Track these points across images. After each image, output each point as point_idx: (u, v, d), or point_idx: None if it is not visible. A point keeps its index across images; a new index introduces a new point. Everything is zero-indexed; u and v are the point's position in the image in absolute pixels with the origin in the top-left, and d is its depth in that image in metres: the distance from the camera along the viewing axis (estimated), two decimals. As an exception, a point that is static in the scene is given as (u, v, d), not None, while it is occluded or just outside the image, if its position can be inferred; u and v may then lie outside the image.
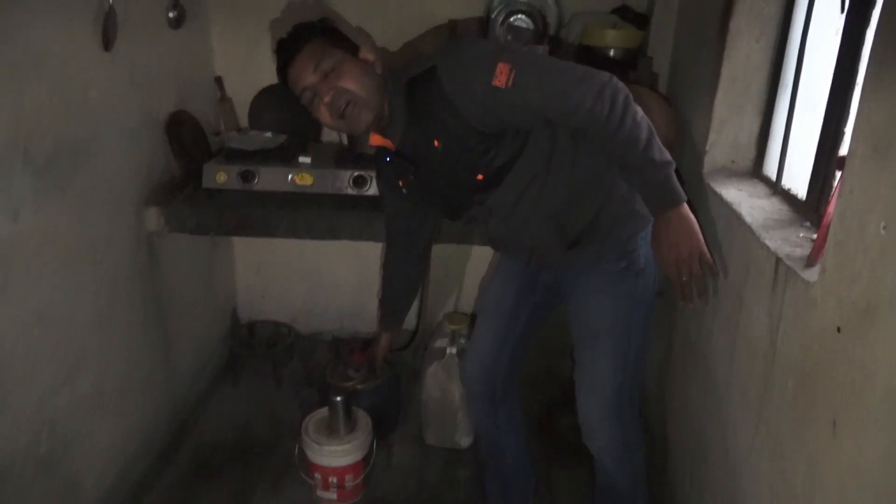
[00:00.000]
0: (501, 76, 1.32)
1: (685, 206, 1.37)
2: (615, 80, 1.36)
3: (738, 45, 1.72)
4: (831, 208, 1.15)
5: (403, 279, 1.95)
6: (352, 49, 1.47)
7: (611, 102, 1.32)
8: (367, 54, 1.47)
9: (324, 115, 1.45)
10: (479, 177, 1.48)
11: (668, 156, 1.38)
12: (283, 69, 1.47)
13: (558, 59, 1.45)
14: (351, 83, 1.41)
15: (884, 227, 0.98)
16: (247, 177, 2.11)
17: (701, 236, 1.38)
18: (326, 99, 1.41)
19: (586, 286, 1.64)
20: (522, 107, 1.36)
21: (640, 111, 1.36)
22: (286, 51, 1.46)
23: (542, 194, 1.51)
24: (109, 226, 1.88)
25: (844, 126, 1.32)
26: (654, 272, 1.62)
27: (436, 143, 1.44)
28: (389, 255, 1.93)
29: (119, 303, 1.94)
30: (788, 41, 1.67)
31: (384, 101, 1.46)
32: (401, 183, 1.62)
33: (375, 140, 1.55)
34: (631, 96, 1.36)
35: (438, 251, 2.22)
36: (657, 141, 1.36)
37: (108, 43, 1.79)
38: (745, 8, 1.68)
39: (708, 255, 1.38)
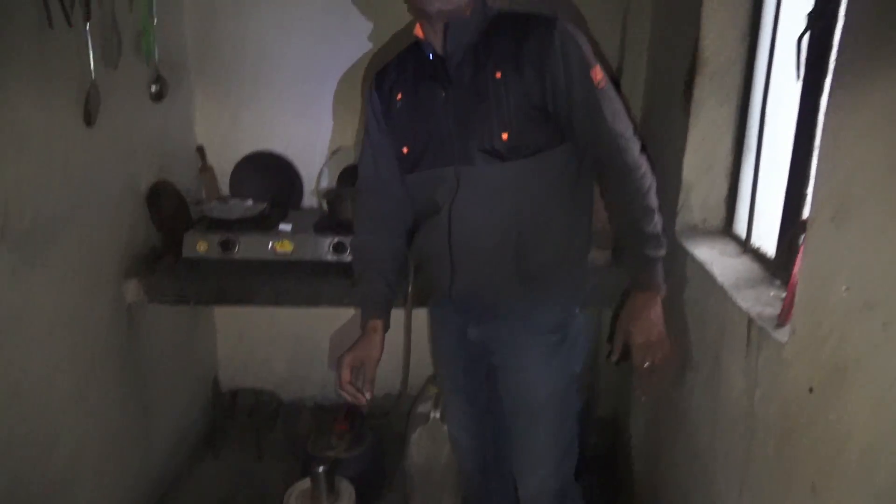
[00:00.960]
0: (597, 76, 1.38)
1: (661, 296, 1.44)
2: None
3: (703, 110, 1.78)
4: (797, 270, 1.18)
5: (387, 253, 1.62)
6: None
7: (648, 164, 1.45)
8: None
9: None
10: (505, 135, 1.38)
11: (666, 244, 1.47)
12: None
13: None
14: None
15: (846, 290, 1.01)
16: (227, 246, 2.12)
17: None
18: None
19: (521, 359, 1.57)
20: (591, 109, 1.39)
21: None
22: None
23: (527, 203, 1.46)
24: (88, 298, 1.88)
25: (806, 189, 1.36)
26: (587, 346, 1.62)
27: (498, 74, 1.37)
28: (362, 236, 1.64)
29: (97, 376, 1.92)
30: (751, 106, 1.73)
31: (467, 6, 1.39)
32: (399, 96, 1.49)
33: (420, 30, 1.44)
34: None
35: (420, 314, 2.22)
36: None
37: (90, 118, 1.83)
38: (707, 75, 1.75)
39: (672, 350, 1.47)
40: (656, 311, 1.47)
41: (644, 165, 1.46)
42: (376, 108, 1.56)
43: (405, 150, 1.51)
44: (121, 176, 2.04)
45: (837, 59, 1.04)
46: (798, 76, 1.40)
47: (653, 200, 1.46)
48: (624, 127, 1.43)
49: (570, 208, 1.53)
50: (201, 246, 2.13)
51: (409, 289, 1.94)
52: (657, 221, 1.47)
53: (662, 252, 1.47)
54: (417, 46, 1.48)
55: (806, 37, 1.35)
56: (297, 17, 2.43)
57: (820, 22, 1.31)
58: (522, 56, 1.36)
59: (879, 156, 0.93)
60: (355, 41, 2.44)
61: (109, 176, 1.97)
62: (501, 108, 1.37)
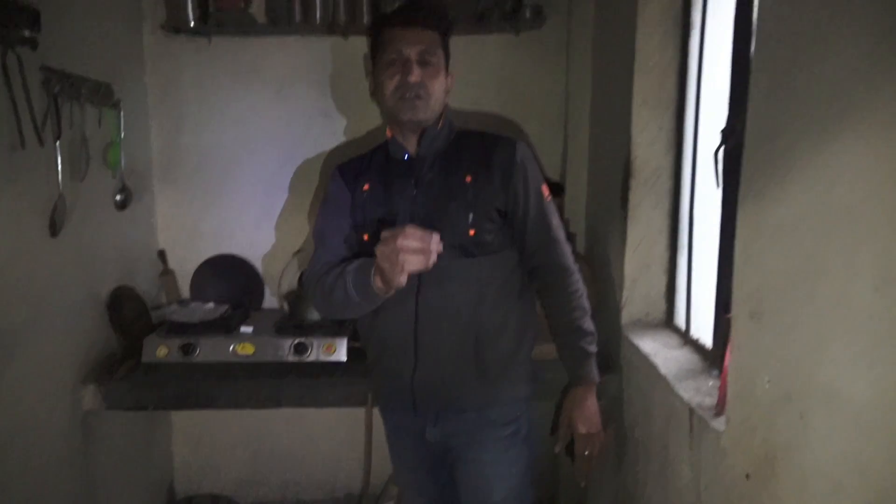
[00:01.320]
0: (545, 190, 1.61)
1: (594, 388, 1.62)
2: None
3: (639, 213, 1.94)
4: (727, 362, 1.29)
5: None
6: (446, 65, 1.58)
7: (578, 269, 1.65)
8: (450, 82, 1.61)
9: (393, 81, 1.50)
10: (472, 232, 1.51)
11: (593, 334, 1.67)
12: (393, 21, 1.52)
13: None
14: (434, 86, 1.52)
15: (768, 381, 1.11)
16: (188, 349, 2.14)
17: None
18: (412, 79, 1.48)
19: (478, 452, 1.62)
20: (541, 218, 1.58)
21: None
22: (411, 13, 1.53)
23: (488, 298, 1.55)
24: (43, 408, 1.86)
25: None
26: (536, 441, 1.70)
27: (468, 178, 1.53)
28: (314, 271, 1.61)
29: (49, 490, 1.86)
30: (681, 209, 1.89)
31: (439, 118, 1.57)
32: (367, 187, 1.57)
33: (390, 133, 1.59)
34: None
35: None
36: None
37: (55, 229, 1.88)
38: (640, 182, 1.92)
39: (606, 439, 1.65)
40: (594, 402, 1.67)
41: (577, 271, 1.65)
42: (339, 195, 1.62)
43: (366, 237, 1.57)
44: (83, 284, 2.07)
45: (742, 175, 1.19)
46: (717, 184, 1.56)
47: (586, 302, 1.66)
48: (563, 235, 1.64)
49: (522, 306, 1.65)
50: (161, 350, 2.14)
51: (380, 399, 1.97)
52: (590, 317, 1.66)
53: (595, 349, 1.66)
54: (386, 147, 1.63)
55: (722, 150, 1.52)
56: (259, 131, 2.56)
57: (732, 138, 1.49)
58: (492, 165, 1.54)
59: (782, 261, 1.06)
60: (316, 152, 2.58)
61: (71, 284, 2.00)
62: (471, 208, 1.51)
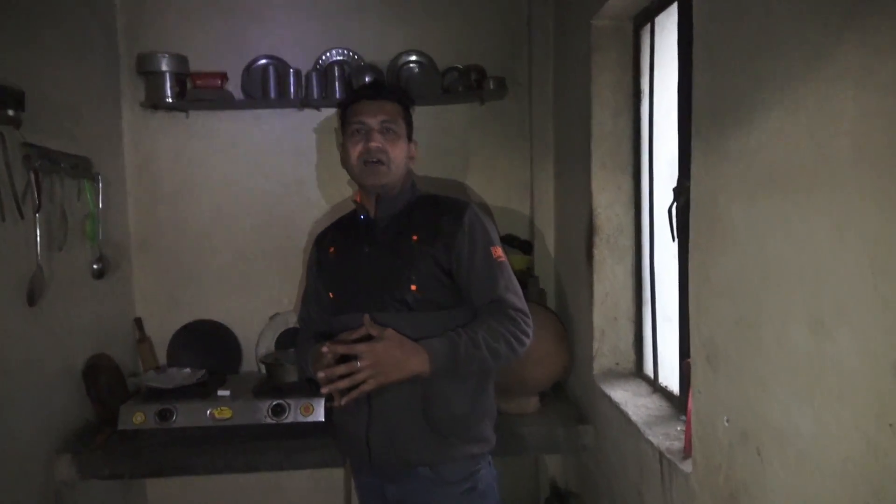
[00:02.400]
0: (496, 252, 1.64)
1: (426, 370, 1.50)
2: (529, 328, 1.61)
3: (603, 269, 2.04)
4: (690, 406, 1.36)
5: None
6: (409, 135, 1.71)
7: (523, 336, 1.59)
8: (413, 149, 1.73)
9: (357, 148, 1.62)
10: (414, 287, 1.58)
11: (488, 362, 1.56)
12: (356, 97, 1.67)
13: None
14: (396, 153, 1.64)
15: (727, 421, 1.18)
16: (164, 416, 2.14)
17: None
18: (373, 145, 1.61)
19: None
20: (488, 277, 1.60)
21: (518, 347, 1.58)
22: (373, 89, 1.69)
23: None
24: (16, 479, 1.84)
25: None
26: (496, 496, 1.69)
27: (415, 237, 1.62)
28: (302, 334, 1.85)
29: (20, 566, 1.83)
30: (643, 263, 2.00)
31: (399, 184, 1.68)
32: (333, 250, 1.74)
33: (358, 197, 1.72)
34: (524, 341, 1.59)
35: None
36: (498, 351, 1.55)
37: (32, 299, 1.91)
38: (603, 238, 2.03)
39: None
40: (406, 359, 1.50)
41: (527, 329, 1.59)
42: (313, 260, 1.82)
43: (331, 294, 1.72)
44: (58, 353, 2.08)
45: (690, 230, 1.29)
46: (673, 238, 1.67)
47: (517, 343, 1.57)
48: (516, 299, 1.61)
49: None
50: (137, 418, 2.13)
51: (346, 460, 1.99)
52: (495, 350, 1.54)
53: (462, 366, 1.52)
54: (353, 213, 1.75)
55: (674, 206, 1.63)
56: (235, 200, 2.64)
57: (682, 196, 1.60)
58: (438, 228, 1.63)
59: (730, 310, 1.15)
60: (291, 219, 2.66)
61: (47, 354, 2.01)
62: (413, 265, 1.60)
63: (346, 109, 1.68)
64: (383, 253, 1.65)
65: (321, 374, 1.49)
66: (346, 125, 1.67)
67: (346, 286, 1.68)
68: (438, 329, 1.56)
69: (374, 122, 1.62)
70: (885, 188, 0.77)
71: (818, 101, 0.89)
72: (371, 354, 1.47)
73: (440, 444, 1.59)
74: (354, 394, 1.47)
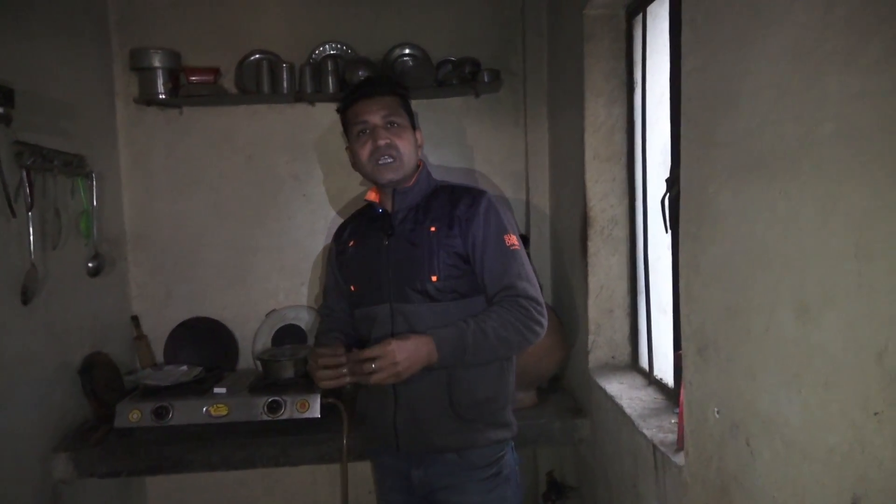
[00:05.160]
0: (510, 239, 1.62)
1: (434, 359, 1.52)
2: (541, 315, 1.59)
3: (598, 261, 2.02)
4: (682, 398, 1.35)
5: (345, 325, 1.83)
6: (412, 124, 1.69)
7: (538, 327, 1.58)
8: (420, 137, 1.71)
9: (366, 149, 1.62)
10: (434, 277, 1.59)
11: (498, 351, 1.57)
12: (353, 98, 1.64)
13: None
14: (404, 146, 1.63)
15: (717, 412, 1.17)
16: (161, 413, 2.14)
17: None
18: (381, 142, 1.60)
19: (461, 495, 1.64)
20: (502, 265, 1.59)
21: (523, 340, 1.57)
22: (367, 87, 1.65)
23: None
24: (13, 479, 1.84)
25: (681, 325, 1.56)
26: (518, 481, 1.70)
27: (433, 228, 1.62)
28: (327, 306, 1.88)
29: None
30: (637, 255, 1.98)
31: (413, 176, 1.67)
32: (353, 243, 1.74)
33: (371, 195, 1.72)
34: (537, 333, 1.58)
35: (355, 469, 2.25)
36: (502, 339, 1.55)
37: (26, 298, 1.90)
38: (597, 230, 2.01)
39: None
40: (418, 352, 1.51)
41: (539, 318, 1.57)
42: (333, 254, 1.84)
43: (353, 287, 1.74)
44: (54, 351, 2.08)
45: (681, 220, 1.28)
46: (666, 229, 1.66)
47: (523, 333, 1.55)
48: (528, 286, 1.59)
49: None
50: (134, 415, 2.13)
51: (345, 442, 1.99)
52: (505, 339, 1.54)
53: (470, 354, 1.53)
54: (371, 207, 1.75)
55: (667, 197, 1.62)
56: (231, 196, 2.64)
57: (675, 186, 1.58)
58: (454, 216, 1.63)
59: (719, 298, 1.14)
60: (287, 214, 2.65)
61: (43, 352, 2.01)
62: (433, 255, 1.60)
63: (346, 112, 1.67)
64: (402, 245, 1.64)
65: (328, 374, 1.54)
66: (350, 127, 1.66)
67: (368, 279, 1.69)
68: (461, 317, 1.57)
69: (376, 118, 1.62)
70: (869, 172, 0.76)
71: (804, 85, 0.88)
72: (383, 353, 1.48)
73: (466, 430, 1.62)
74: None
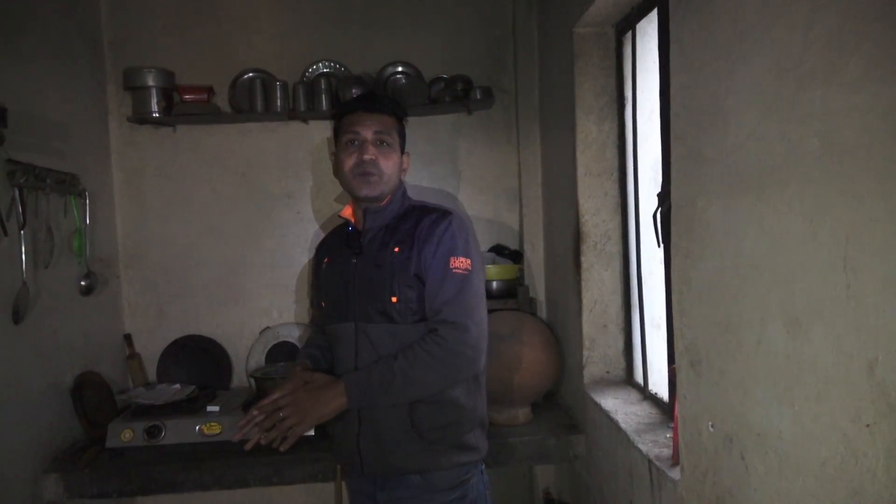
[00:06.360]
0: (455, 262, 1.59)
1: (343, 404, 1.55)
2: (479, 359, 1.58)
3: (591, 276, 2.03)
4: (676, 412, 1.35)
5: (323, 342, 1.85)
6: (402, 148, 1.72)
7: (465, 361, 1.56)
8: (406, 161, 1.74)
9: (351, 159, 1.63)
10: (394, 299, 1.59)
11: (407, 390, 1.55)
12: (353, 108, 1.67)
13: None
14: (389, 166, 1.65)
15: (712, 426, 1.17)
16: (153, 432, 2.12)
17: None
18: (366, 157, 1.62)
19: None
20: (439, 285, 1.57)
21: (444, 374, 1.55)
22: (369, 101, 1.68)
23: None
24: (2, 500, 1.81)
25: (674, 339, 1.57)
26: (488, 501, 1.67)
27: (396, 249, 1.63)
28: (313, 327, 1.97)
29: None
30: (630, 270, 1.99)
31: (390, 195, 1.69)
32: (327, 260, 1.77)
33: (346, 212, 1.75)
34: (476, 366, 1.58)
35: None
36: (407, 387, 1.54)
37: (18, 317, 1.89)
38: (590, 245, 2.02)
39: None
40: (326, 406, 1.55)
41: (460, 347, 1.53)
42: (313, 267, 1.88)
43: (324, 304, 1.77)
44: (46, 371, 2.06)
45: (672, 235, 1.29)
46: (658, 244, 1.66)
47: (432, 366, 1.53)
48: (455, 310, 1.55)
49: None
50: (126, 435, 2.12)
51: (339, 465, 1.98)
52: (410, 378, 1.52)
53: (380, 395, 1.54)
54: (346, 224, 1.77)
55: (659, 212, 1.63)
56: (224, 214, 2.64)
57: (666, 201, 1.60)
58: (415, 237, 1.63)
59: (710, 313, 1.14)
60: (280, 231, 2.66)
61: (34, 371, 2.00)
62: (394, 276, 1.61)
63: (341, 119, 1.69)
64: (368, 265, 1.66)
65: (241, 423, 1.59)
66: (340, 135, 1.68)
67: (336, 297, 1.71)
68: (417, 341, 1.56)
69: (368, 133, 1.63)
70: (854, 186, 0.77)
71: (789, 102, 0.89)
72: (290, 402, 1.54)
73: (428, 452, 1.59)
74: (291, 441, 1.54)
